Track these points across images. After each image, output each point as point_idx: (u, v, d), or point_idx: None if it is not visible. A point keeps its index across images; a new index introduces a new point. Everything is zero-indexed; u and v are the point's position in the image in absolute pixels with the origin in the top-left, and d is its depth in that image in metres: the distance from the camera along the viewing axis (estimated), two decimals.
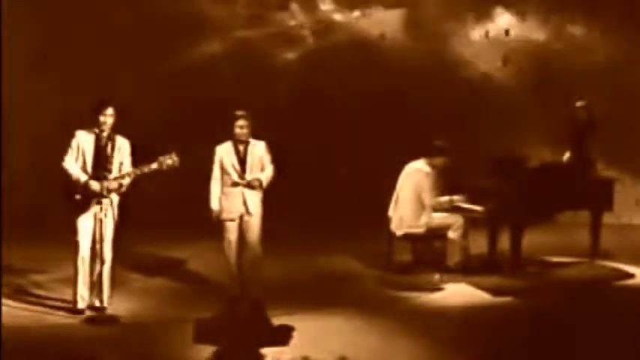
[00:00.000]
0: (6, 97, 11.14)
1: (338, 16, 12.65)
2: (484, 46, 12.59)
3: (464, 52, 12.57)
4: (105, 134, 7.62)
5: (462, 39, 12.59)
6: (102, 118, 7.58)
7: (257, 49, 12.43)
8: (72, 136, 7.67)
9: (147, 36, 11.75)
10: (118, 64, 11.52)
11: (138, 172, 7.60)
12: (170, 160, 7.62)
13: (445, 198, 9.12)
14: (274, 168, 8.16)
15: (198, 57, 12.28)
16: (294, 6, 12.64)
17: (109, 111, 7.59)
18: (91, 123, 7.64)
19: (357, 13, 12.64)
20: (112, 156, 7.62)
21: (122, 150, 7.68)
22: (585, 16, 12.25)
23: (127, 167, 7.66)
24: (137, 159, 7.70)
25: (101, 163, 7.60)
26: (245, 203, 8.05)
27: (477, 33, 12.61)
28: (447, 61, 12.50)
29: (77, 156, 7.62)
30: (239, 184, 8.04)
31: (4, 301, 8.00)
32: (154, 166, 7.60)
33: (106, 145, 7.62)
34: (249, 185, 8.04)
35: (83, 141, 7.63)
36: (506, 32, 12.54)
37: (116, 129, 7.66)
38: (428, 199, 9.05)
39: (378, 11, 12.64)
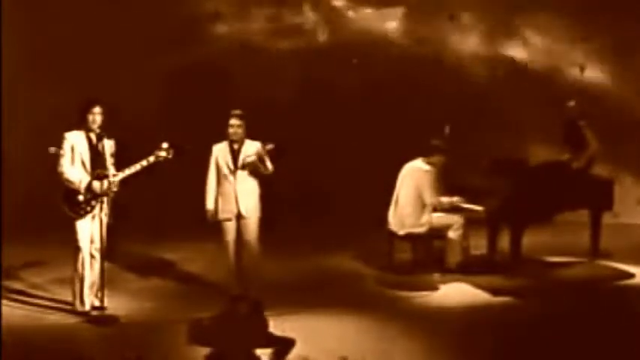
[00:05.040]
0: (4, 96, 11.13)
1: (343, 13, 12.62)
2: (485, 46, 12.59)
3: (465, 52, 12.57)
4: (96, 133, 7.62)
5: (463, 39, 12.58)
6: (91, 117, 7.58)
7: (262, 44, 12.41)
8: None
9: (150, 32, 11.75)
10: (116, 63, 11.51)
11: (138, 166, 7.62)
12: (164, 151, 7.66)
13: (446, 199, 9.11)
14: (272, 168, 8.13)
15: (203, 53, 12.27)
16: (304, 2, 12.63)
17: (98, 109, 7.59)
18: (78, 124, 7.64)
19: (357, 11, 12.62)
20: (105, 154, 7.63)
21: (109, 149, 7.67)
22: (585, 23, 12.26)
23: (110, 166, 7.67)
24: (133, 158, 7.70)
25: (99, 162, 7.60)
26: (237, 205, 8.03)
27: (478, 33, 12.60)
28: (447, 60, 12.49)
29: (72, 158, 7.60)
30: (232, 179, 8.00)
31: (4, 301, 8.01)
32: (152, 159, 7.65)
33: (98, 144, 7.63)
34: (249, 165, 7.96)
35: (76, 142, 7.61)
36: (508, 32, 12.53)
37: (108, 128, 7.67)
38: (429, 197, 9.04)
39: (379, 10, 12.63)
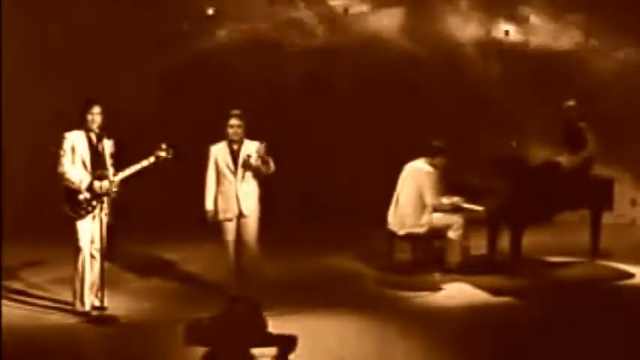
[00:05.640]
0: (4, 96, 11.12)
1: (342, 11, 12.59)
2: (484, 46, 12.58)
3: (465, 51, 12.57)
4: (95, 133, 7.63)
5: (463, 39, 12.57)
6: (90, 117, 7.59)
7: (262, 44, 12.39)
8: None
9: (149, 31, 11.74)
10: (115, 63, 11.50)
11: (138, 166, 7.64)
12: (164, 151, 7.69)
13: (447, 200, 9.11)
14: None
15: (202, 53, 12.26)
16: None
17: (97, 109, 7.61)
18: (78, 123, 7.64)
19: (358, 10, 12.62)
20: (104, 154, 7.63)
21: (108, 149, 7.68)
22: (586, 18, 12.26)
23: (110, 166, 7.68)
24: (132, 158, 7.71)
25: (99, 162, 7.61)
26: (239, 204, 8.03)
27: (478, 33, 12.59)
28: (447, 61, 12.48)
29: (73, 158, 7.61)
30: (233, 179, 8.00)
31: (4, 301, 8.01)
32: (152, 159, 7.68)
33: (98, 144, 7.63)
34: (252, 167, 7.97)
35: (76, 142, 7.61)
36: (506, 33, 12.53)
37: (107, 128, 7.68)
38: (429, 198, 9.04)
39: (378, 10, 12.62)
